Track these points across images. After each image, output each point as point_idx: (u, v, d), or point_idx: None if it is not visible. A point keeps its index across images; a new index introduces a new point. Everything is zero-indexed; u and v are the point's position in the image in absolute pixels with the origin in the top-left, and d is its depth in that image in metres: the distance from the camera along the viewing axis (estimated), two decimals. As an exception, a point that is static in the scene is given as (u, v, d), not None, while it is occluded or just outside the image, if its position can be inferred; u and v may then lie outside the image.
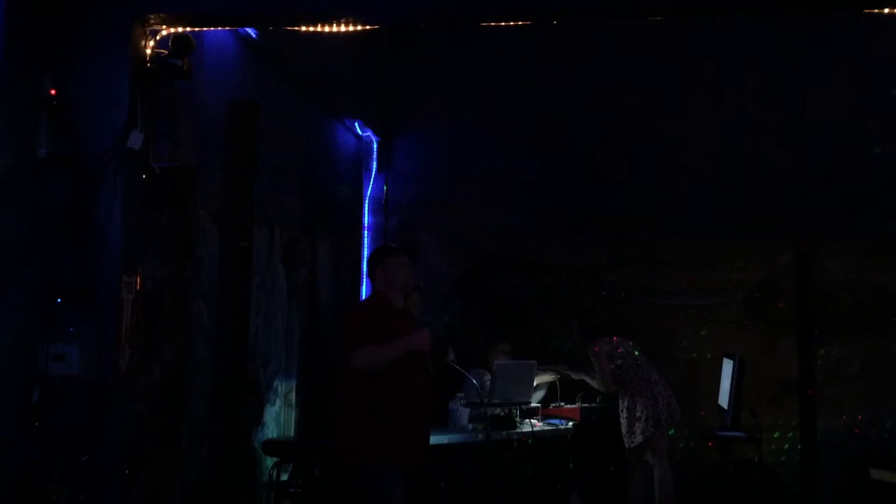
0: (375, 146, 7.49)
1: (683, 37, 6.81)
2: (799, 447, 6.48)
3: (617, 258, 7.20)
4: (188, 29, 3.77)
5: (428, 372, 4.08)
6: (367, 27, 3.82)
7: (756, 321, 7.01)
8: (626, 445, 5.83)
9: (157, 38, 3.69)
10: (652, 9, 3.80)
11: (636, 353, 6.01)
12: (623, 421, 5.84)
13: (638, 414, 5.74)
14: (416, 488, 4.09)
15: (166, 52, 3.69)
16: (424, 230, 7.43)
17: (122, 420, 3.57)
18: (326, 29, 3.80)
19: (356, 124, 7.13)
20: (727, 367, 5.90)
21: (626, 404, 5.84)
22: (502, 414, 5.73)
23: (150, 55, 3.67)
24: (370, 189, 7.46)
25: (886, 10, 3.56)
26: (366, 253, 7.13)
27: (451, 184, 7.43)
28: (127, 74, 3.55)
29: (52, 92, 3.46)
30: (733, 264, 7.08)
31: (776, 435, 6.76)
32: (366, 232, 7.36)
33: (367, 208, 7.43)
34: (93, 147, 3.55)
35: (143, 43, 3.65)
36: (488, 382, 5.83)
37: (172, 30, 3.71)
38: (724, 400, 5.86)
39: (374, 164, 7.49)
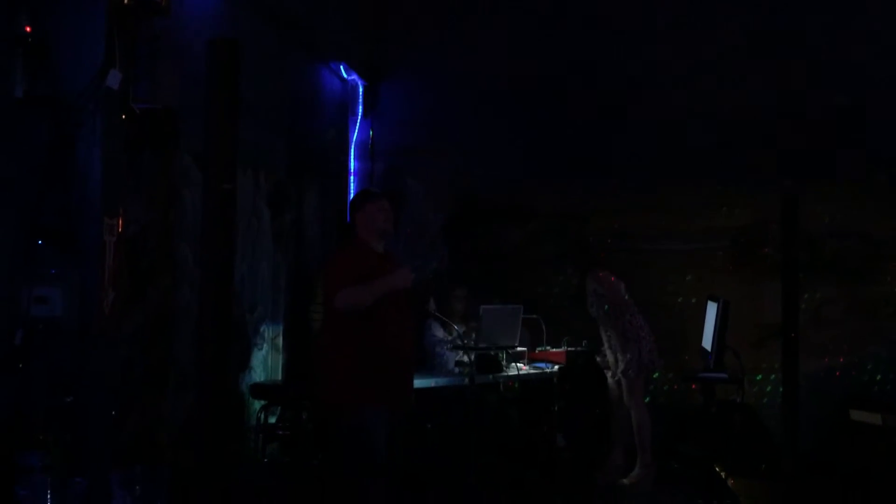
0: (361, 90, 7.39)
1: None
2: (781, 389, 6.57)
3: (604, 204, 7.20)
4: (166, -35, 3.67)
5: (409, 314, 4.09)
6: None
7: (742, 266, 7.06)
8: (611, 379, 5.88)
9: (134, -27, 3.60)
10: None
11: (626, 296, 6.06)
12: (609, 356, 5.89)
13: (620, 355, 5.81)
14: (401, 428, 4.12)
15: (144, -12, 3.60)
16: (411, 176, 7.40)
17: (107, 363, 3.57)
18: (308, -35, 3.71)
19: (341, 67, 7.03)
20: (711, 309, 5.95)
21: (612, 342, 5.88)
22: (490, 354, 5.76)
23: (128, -9, 3.58)
24: (356, 134, 7.39)
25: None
26: (352, 198, 7.09)
27: (438, 129, 7.36)
28: (103, 11, 3.46)
29: (28, 29, 3.38)
30: (719, 210, 7.11)
31: (759, 377, 6.86)
32: (352, 177, 7.31)
33: (353, 153, 7.37)
34: (71, 87, 3.48)
35: (119, -21, 3.56)
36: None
37: (150, -34, 3.62)
38: (707, 342, 5.92)
39: (360, 109, 7.41)
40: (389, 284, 3.97)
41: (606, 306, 5.95)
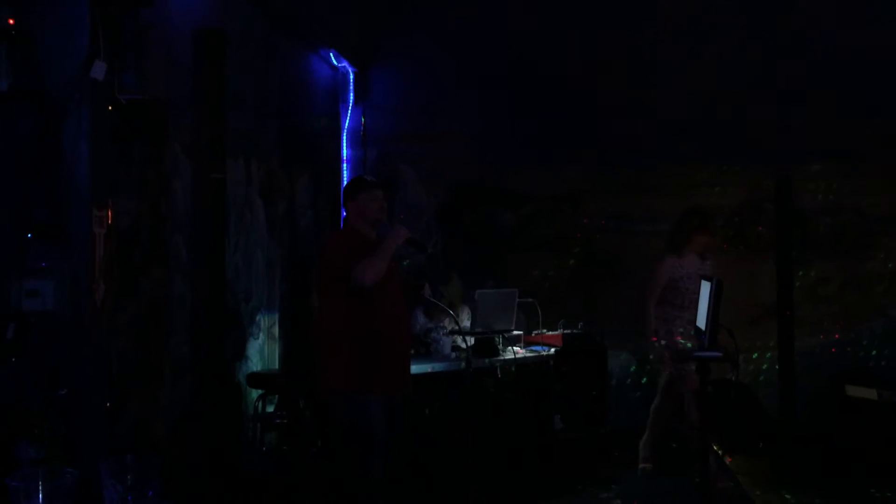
0: (352, 77, 7.36)
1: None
2: (777, 366, 6.59)
3: (597, 186, 7.20)
4: (149, -46, 3.64)
5: (404, 300, 4.10)
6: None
7: (736, 245, 7.06)
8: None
9: (118, -37, 3.57)
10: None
11: None
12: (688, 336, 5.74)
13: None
14: (399, 415, 4.14)
15: (127, -23, 3.57)
16: (404, 162, 7.39)
17: (101, 355, 3.56)
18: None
19: (331, 54, 7.00)
20: (705, 289, 5.93)
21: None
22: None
23: (111, -19, 3.55)
24: (348, 121, 7.37)
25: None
26: (345, 186, 7.07)
27: (429, 115, 7.35)
28: (88, 2, 3.43)
29: (11, 22, 3.35)
30: (713, 189, 7.10)
31: (755, 355, 6.88)
32: (344, 165, 7.30)
33: (345, 141, 7.35)
34: (57, 79, 3.44)
35: (102, -32, 3.53)
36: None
37: (133, -45, 3.59)
38: (701, 322, 5.91)
39: (351, 96, 7.38)
40: (391, 245, 4.00)
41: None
